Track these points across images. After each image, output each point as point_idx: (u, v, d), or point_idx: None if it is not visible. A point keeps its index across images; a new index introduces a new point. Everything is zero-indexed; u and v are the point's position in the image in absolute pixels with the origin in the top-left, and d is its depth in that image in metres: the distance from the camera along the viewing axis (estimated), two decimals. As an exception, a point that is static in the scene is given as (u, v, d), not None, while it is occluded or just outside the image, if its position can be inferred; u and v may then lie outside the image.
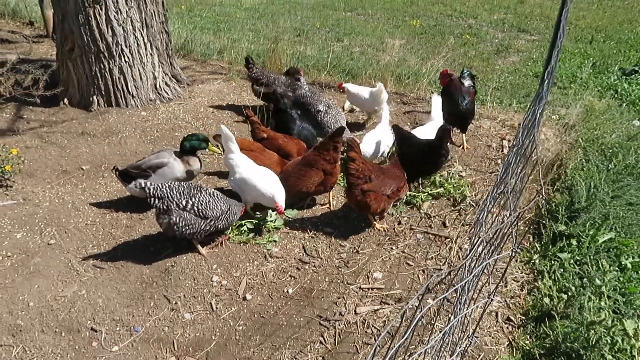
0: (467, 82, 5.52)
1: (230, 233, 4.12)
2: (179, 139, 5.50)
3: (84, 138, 5.66)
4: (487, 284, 3.44)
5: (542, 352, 3.14)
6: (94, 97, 6.21)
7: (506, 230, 1.96)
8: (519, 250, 1.86)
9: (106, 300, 3.56)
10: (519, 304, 3.60)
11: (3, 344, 3.22)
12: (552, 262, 3.88)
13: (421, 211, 4.50)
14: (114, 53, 6.03)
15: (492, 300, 1.86)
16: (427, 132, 4.92)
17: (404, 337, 1.54)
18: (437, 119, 5.06)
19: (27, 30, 9.80)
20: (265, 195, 4.03)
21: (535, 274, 3.86)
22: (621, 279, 3.66)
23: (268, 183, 4.07)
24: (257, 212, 4.31)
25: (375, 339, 3.27)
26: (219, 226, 3.84)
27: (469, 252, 2.39)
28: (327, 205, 4.58)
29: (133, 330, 3.34)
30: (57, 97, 6.19)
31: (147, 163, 4.31)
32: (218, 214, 3.77)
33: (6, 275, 3.74)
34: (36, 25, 10.15)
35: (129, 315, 3.45)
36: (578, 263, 3.84)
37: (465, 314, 3.05)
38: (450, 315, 2.64)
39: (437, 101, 5.20)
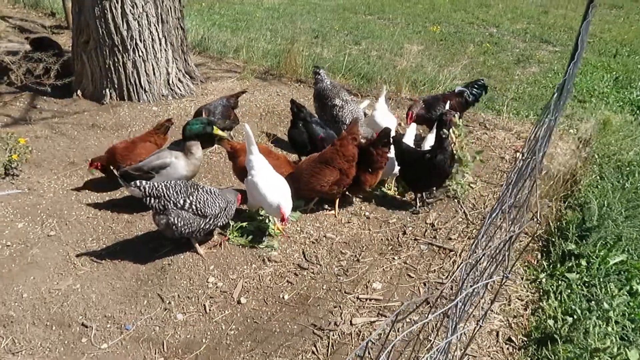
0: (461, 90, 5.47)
1: (230, 234, 4.05)
2: None
3: (94, 130, 5.66)
4: (482, 304, 3.32)
5: (542, 376, 3.01)
6: (107, 90, 6.21)
7: (502, 248, 1.85)
8: (509, 276, 1.74)
9: (100, 295, 3.51)
10: (522, 324, 3.46)
11: (-6, 335, 3.20)
12: (559, 282, 3.74)
13: (427, 222, 4.38)
14: (128, 47, 6.02)
15: (481, 326, 1.74)
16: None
17: (391, 347, 1.44)
18: None
19: (48, 21, 9.90)
20: (271, 206, 3.84)
21: (541, 293, 3.71)
22: (631, 304, 3.50)
23: (276, 193, 3.86)
24: (260, 215, 4.21)
25: (369, 352, 3.17)
26: (219, 223, 3.78)
27: (464, 268, 2.28)
28: (333, 211, 4.47)
29: (124, 328, 3.28)
30: (70, 87, 6.20)
31: (148, 165, 4.23)
32: (217, 212, 3.71)
33: (3, 265, 3.72)
34: (57, 17, 10.25)
35: (121, 312, 3.40)
36: (586, 285, 3.69)
37: (463, 332, 2.94)
38: (447, 332, 2.53)
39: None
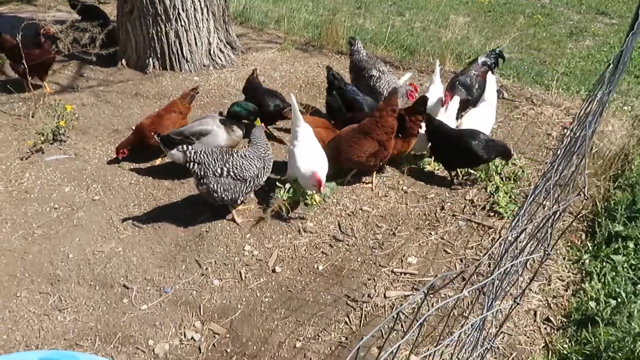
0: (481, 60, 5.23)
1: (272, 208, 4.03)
2: (227, 106, 5.52)
3: (137, 99, 5.78)
4: (519, 283, 3.25)
5: (580, 358, 2.93)
6: (150, 59, 6.31)
7: (543, 225, 1.79)
8: (550, 253, 1.68)
9: (140, 259, 3.64)
10: (562, 304, 3.37)
11: (42, 292, 3.37)
12: (604, 264, 3.60)
13: (466, 198, 4.29)
14: (171, 16, 6.07)
15: (518, 304, 1.70)
16: (480, 112, 4.71)
17: (423, 319, 1.43)
18: (490, 100, 4.77)
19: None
20: (305, 176, 3.85)
21: (583, 274, 3.60)
22: (680, 289, 3.34)
23: (311, 164, 3.84)
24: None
25: (402, 325, 3.17)
26: (261, 182, 3.87)
27: (503, 245, 2.23)
28: (370, 184, 4.44)
29: (163, 291, 3.40)
30: (115, 56, 6.32)
31: (190, 130, 4.31)
32: (256, 173, 3.76)
33: (51, 226, 3.89)
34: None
35: (160, 275, 3.51)
36: (633, 268, 3.55)
37: (499, 310, 2.89)
38: (482, 309, 2.49)
39: (492, 80, 4.88)
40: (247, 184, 3.75)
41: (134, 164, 4.64)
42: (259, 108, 4.49)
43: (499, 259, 2.17)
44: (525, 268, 3.48)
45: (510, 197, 4.22)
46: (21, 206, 4.06)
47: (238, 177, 3.70)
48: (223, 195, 3.71)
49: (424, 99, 4.26)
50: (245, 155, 3.77)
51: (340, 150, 4.18)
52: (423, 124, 4.42)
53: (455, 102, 4.79)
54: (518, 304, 1.71)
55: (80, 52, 5.45)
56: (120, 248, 3.71)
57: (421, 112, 4.29)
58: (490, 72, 5.06)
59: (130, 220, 3.97)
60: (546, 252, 1.68)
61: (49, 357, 2.56)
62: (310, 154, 3.95)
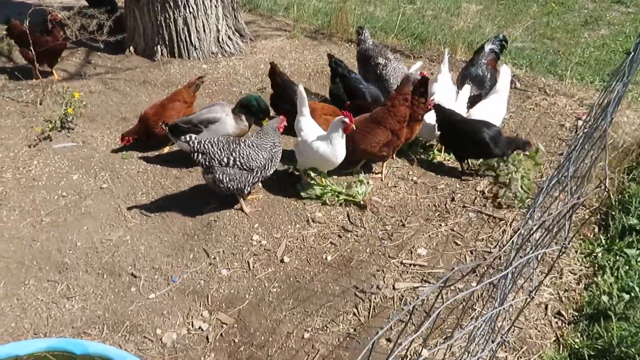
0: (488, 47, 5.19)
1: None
2: (237, 95, 5.56)
3: (145, 87, 5.76)
4: (532, 275, 3.21)
5: (592, 353, 2.90)
6: (158, 46, 6.27)
7: (561, 218, 1.74)
8: (567, 246, 1.64)
9: (148, 248, 3.63)
10: (573, 298, 3.33)
11: (50, 279, 3.38)
12: (617, 257, 3.55)
13: (477, 189, 4.25)
14: (179, 3, 6.02)
15: (532, 298, 1.67)
16: (490, 104, 4.63)
17: (435, 315, 1.40)
18: (502, 91, 4.69)
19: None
20: (328, 159, 3.94)
21: (596, 268, 3.55)
22: (695, 284, 3.29)
23: (328, 146, 3.92)
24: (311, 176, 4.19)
25: (411, 317, 3.15)
26: (268, 174, 3.83)
27: (516, 237, 2.18)
28: (379, 174, 4.41)
29: (170, 280, 3.40)
30: (123, 43, 6.30)
31: (198, 117, 4.28)
32: (263, 163, 3.72)
33: (59, 214, 3.89)
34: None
35: (168, 265, 3.51)
36: (647, 262, 3.49)
37: (511, 304, 2.86)
38: (493, 302, 2.46)
39: (505, 72, 4.80)
40: (254, 173, 3.72)
41: (142, 152, 4.62)
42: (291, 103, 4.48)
43: (512, 252, 2.13)
44: (539, 261, 3.43)
45: (522, 188, 4.15)
46: (29, 194, 4.06)
47: (244, 166, 3.67)
48: (229, 185, 3.69)
49: (424, 80, 4.17)
50: (252, 145, 3.74)
51: (353, 140, 4.14)
52: (432, 113, 4.37)
53: (466, 91, 4.72)
54: (532, 297, 1.68)
55: (87, 39, 5.42)
56: (128, 237, 3.71)
57: (423, 95, 4.20)
58: (505, 64, 4.99)
59: (138, 209, 3.96)
60: (563, 246, 1.64)
61: (57, 345, 2.57)
62: (321, 137, 4.00)
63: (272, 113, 4.62)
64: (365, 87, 4.87)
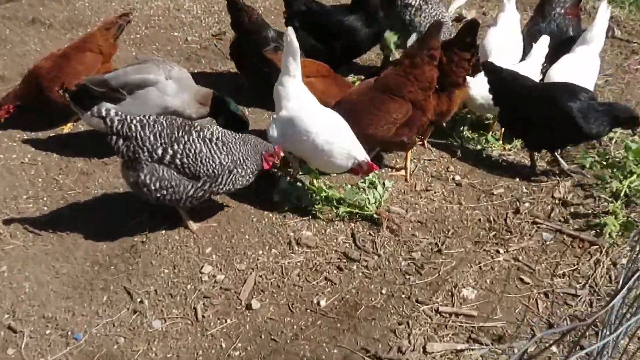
0: None
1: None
2: (179, 41, 5.58)
3: (34, 29, 5.78)
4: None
5: None
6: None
7: None
8: None
9: (36, 284, 3.56)
10: None
11: None
12: None
13: (554, 196, 4.25)
14: None
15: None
16: (577, 60, 4.68)
17: None
18: (593, 42, 4.72)
19: None
20: (339, 159, 3.89)
21: None
22: None
23: (342, 135, 3.91)
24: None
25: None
26: (219, 190, 3.75)
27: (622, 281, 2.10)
28: (402, 170, 4.41)
29: (71, 337, 3.31)
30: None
31: (120, 78, 4.23)
32: (217, 172, 3.64)
33: None
34: None
35: (67, 312, 3.44)
36: None
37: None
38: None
39: (603, 12, 4.79)
40: (199, 184, 3.65)
41: (30, 131, 4.59)
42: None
43: (618, 303, 2.05)
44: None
45: (627, 194, 4.15)
46: None
47: (187, 169, 3.60)
48: (158, 194, 3.62)
49: (472, 25, 4.22)
50: (211, 140, 3.65)
51: (354, 121, 4.08)
52: (482, 74, 4.41)
53: (542, 45, 4.73)
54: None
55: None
56: (4, 267, 3.64)
57: (468, 47, 4.22)
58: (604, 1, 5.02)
59: (21, 223, 3.91)
60: None
61: None
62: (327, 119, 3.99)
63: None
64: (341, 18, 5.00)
